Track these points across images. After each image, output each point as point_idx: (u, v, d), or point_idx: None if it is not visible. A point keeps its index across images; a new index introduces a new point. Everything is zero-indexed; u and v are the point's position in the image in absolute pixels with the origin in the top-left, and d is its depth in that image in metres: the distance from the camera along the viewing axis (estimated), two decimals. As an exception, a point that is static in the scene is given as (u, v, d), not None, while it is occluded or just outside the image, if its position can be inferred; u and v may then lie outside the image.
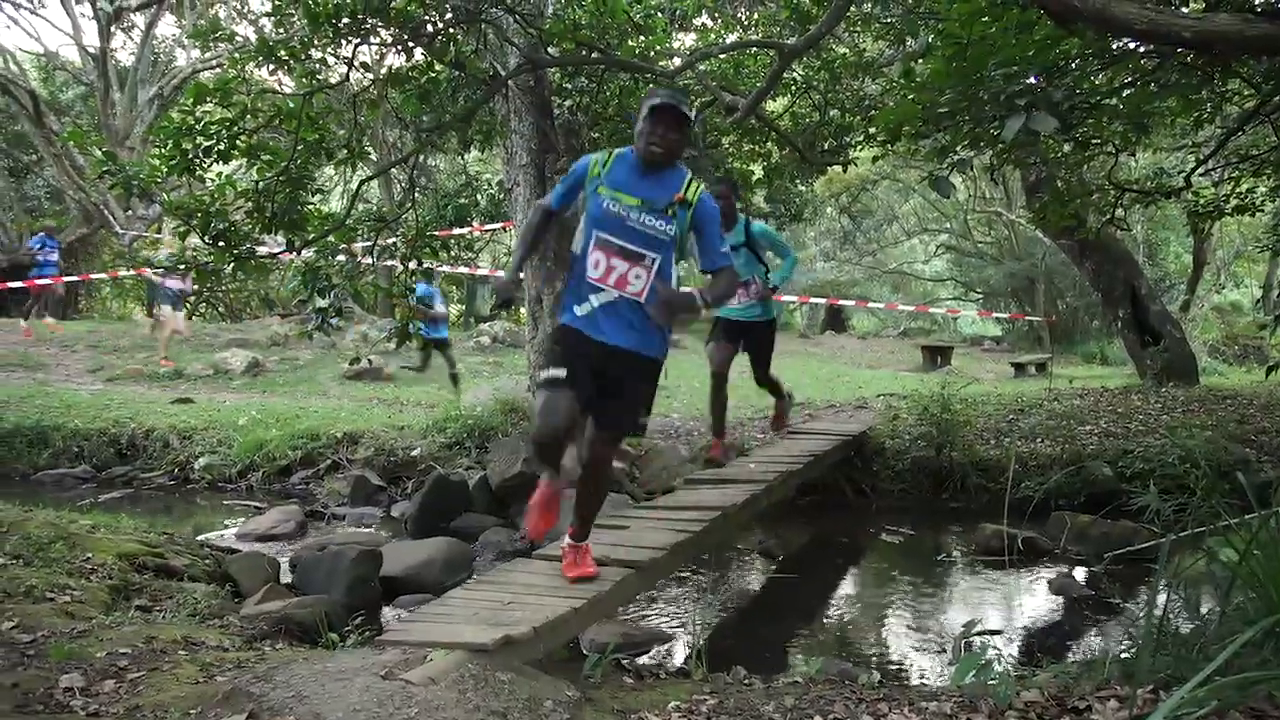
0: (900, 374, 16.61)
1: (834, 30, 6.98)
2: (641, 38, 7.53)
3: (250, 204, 6.45)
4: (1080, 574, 5.72)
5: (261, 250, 6.82)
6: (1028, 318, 22.73)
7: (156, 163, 6.32)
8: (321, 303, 6.82)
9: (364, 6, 5.90)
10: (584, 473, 3.80)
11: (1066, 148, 7.25)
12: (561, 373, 3.49)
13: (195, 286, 14.07)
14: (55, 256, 15.98)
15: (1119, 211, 8.97)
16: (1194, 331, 16.19)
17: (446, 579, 5.37)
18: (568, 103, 8.34)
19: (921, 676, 4.15)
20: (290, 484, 8.45)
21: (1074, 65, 5.24)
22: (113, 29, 19.82)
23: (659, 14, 7.99)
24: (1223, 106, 7.58)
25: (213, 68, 19.44)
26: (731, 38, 9.42)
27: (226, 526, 7.09)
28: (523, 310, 10.56)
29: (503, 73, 7.16)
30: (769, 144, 9.02)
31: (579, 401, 3.49)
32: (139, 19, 20.47)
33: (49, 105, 20.04)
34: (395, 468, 8.32)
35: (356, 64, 6.66)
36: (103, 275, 19.62)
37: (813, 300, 24.76)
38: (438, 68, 7.14)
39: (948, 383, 8.79)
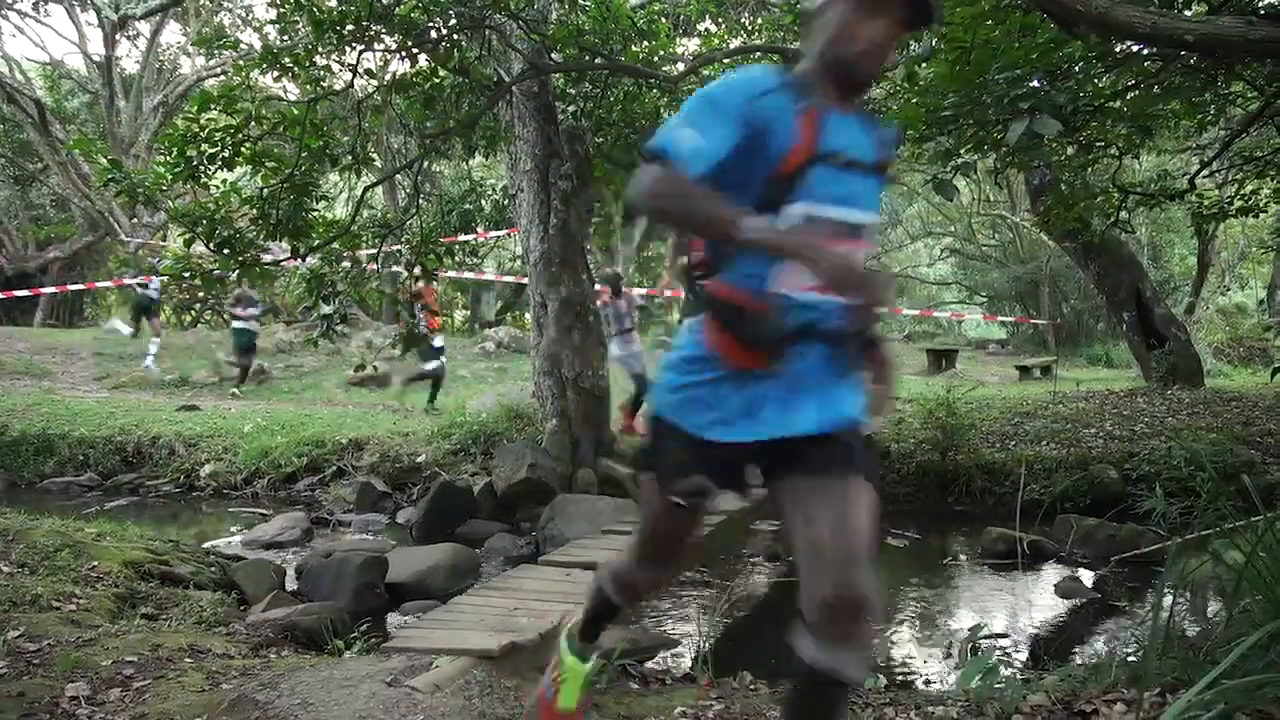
0: (905, 377, 16.55)
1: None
2: (645, 43, 7.54)
3: (255, 211, 6.47)
4: (1086, 577, 5.71)
5: (266, 257, 6.84)
6: (1032, 321, 22.69)
7: (161, 170, 6.35)
8: (326, 309, 6.84)
9: (368, 13, 5.92)
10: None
11: (1070, 151, 7.23)
12: None
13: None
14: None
15: (1123, 214, 8.95)
16: (1199, 334, 16.12)
17: (452, 585, 5.36)
18: (571, 108, 8.36)
19: (928, 680, 4.13)
20: (295, 491, 8.46)
21: (1077, 68, 5.23)
22: (118, 37, 19.92)
23: (663, 19, 8.00)
24: (1226, 109, 7.56)
25: (217, 75, 19.53)
26: (735, 43, 9.42)
27: (232, 533, 7.09)
28: (527, 316, 10.55)
29: (507, 78, 7.17)
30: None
31: None
32: (144, 27, 20.57)
33: (54, 113, 20.12)
34: (400, 474, 8.32)
35: (360, 70, 6.67)
36: (108, 283, 19.69)
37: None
38: (442, 74, 7.16)
39: (953, 386, 8.78)
